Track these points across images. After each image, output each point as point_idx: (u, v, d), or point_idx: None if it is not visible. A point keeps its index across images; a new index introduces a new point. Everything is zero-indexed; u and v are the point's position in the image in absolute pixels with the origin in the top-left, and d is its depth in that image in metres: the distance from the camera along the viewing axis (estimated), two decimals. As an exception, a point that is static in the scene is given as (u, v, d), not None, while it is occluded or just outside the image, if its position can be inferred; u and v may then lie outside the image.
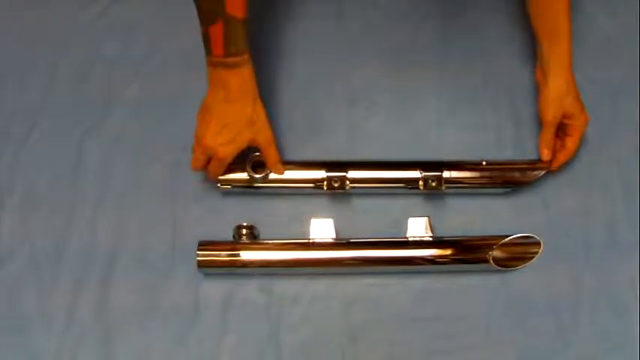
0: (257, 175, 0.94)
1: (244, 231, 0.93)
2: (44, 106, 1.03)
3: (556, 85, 0.93)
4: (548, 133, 0.95)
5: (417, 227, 0.93)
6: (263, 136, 0.91)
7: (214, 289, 0.93)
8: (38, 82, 1.04)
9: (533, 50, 1.00)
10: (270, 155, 0.92)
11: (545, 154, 0.95)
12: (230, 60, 0.85)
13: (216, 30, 0.83)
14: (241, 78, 0.87)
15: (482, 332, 0.91)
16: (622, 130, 1.00)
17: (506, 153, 0.99)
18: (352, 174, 0.94)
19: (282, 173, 0.94)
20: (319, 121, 1.01)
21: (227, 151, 0.89)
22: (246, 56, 0.86)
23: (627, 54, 1.04)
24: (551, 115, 0.93)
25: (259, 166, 0.94)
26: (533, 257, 0.93)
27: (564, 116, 0.94)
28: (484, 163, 0.96)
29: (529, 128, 1.00)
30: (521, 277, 0.93)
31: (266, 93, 1.02)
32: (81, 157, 1.00)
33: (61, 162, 1.00)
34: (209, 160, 0.91)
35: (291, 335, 0.91)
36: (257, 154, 0.93)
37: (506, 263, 0.92)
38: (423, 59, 1.05)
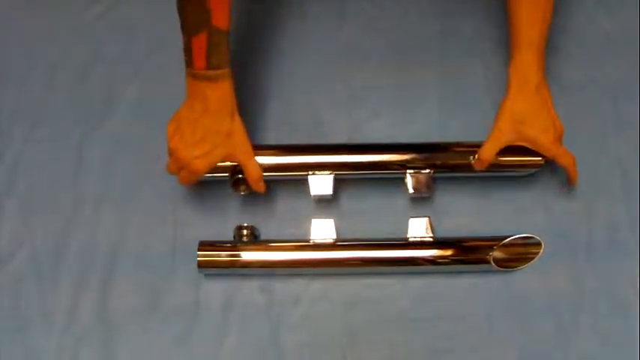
0: (241, 193, 0.93)
1: (245, 231, 0.93)
2: (44, 106, 1.03)
3: (515, 108, 0.87)
4: (491, 147, 0.89)
5: (418, 228, 0.93)
6: (241, 151, 0.88)
7: (215, 289, 0.93)
8: (38, 82, 1.04)
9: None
10: (251, 171, 0.89)
11: (477, 163, 0.91)
12: (211, 73, 0.84)
13: (200, 41, 0.82)
14: (221, 91, 0.85)
15: (482, 333, 0.91)
16: (622, 130, 1.00)
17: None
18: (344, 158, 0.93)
19: (263, 191, 0.91)
20: (319, 121, 1.01)
21: (201, 164, 0.87)
22: (227, 69, 0.85)
23: (627, 54, 1.04)
24: (498, 131, 0.88)
25: (241, 183, 0.92)
26: (533, 258, 0.93)
27: (526, 142, 0.88)
28: (473, 161, 0.93)
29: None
30: (522, 277, 0.93)
31: (266, 93, 1.02)
32: (81, 157, 1.00)
33: (61, 162, 0.99)
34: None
35: (292, 335, 0.91)
36: (240, 176, 0.90)
37: (507, 264, 0.92)
38: (423, 59, 1.05)
